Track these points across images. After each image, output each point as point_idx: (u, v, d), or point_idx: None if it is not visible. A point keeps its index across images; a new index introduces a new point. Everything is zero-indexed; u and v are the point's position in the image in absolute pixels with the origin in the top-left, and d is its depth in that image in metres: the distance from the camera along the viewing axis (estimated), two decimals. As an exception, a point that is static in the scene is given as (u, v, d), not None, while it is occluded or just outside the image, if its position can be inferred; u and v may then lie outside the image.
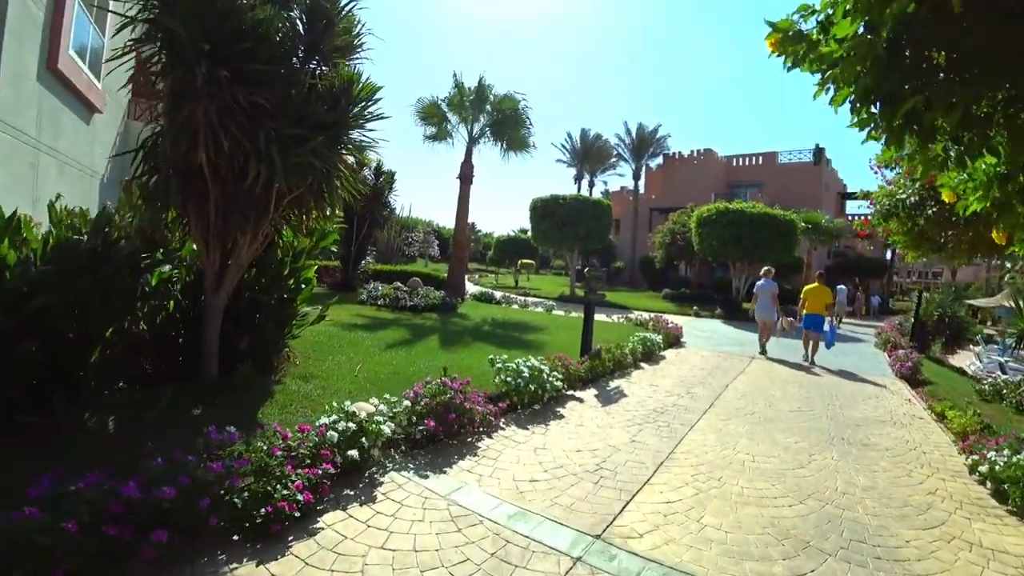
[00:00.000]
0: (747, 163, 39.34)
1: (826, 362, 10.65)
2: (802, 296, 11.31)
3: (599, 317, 15.74)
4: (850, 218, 40.36)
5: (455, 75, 16.55)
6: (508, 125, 16.76)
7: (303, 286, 6.06)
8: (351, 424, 3.78)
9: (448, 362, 7.44)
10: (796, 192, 33.55)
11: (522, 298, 20.58)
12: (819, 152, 36.82)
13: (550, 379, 5.96)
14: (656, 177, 41.92)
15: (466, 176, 17.12)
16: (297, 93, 4.76)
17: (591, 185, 50.32)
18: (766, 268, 11.95)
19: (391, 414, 4.20)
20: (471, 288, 21.06)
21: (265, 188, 4.60)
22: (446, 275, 18.17)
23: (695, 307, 19.65)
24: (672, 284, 28.50)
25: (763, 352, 11.23)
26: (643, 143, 41.05)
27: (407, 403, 4.49)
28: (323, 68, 5.17)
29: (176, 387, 4.66)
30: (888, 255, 44.43)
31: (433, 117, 17.05)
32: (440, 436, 4.48)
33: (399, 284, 14.45)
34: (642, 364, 9.15)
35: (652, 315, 14.25)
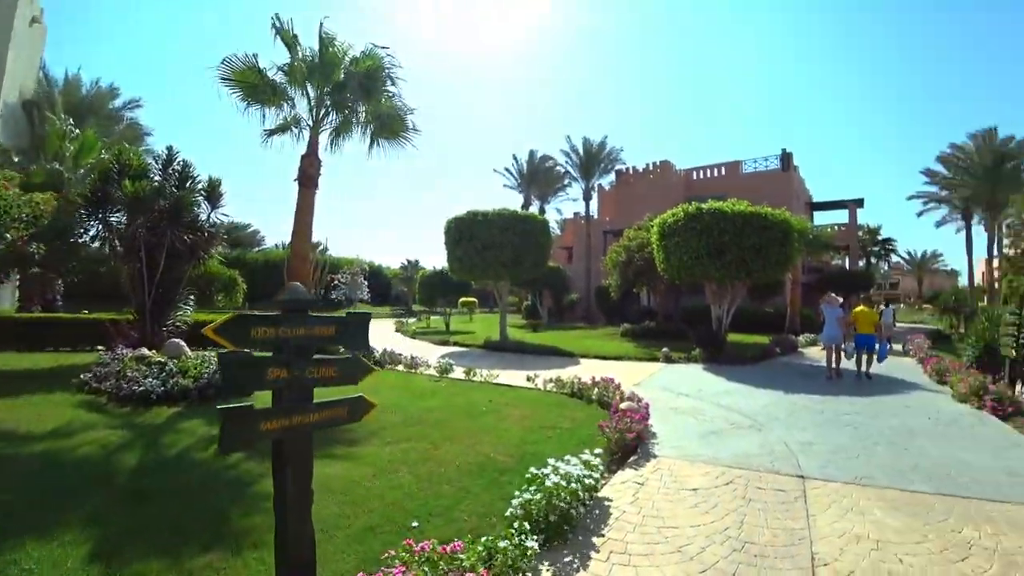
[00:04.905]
0: (709, 175, 34.93)
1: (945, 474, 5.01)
2: (851, 318, 11.54)
3: (511, 378, 9.78)
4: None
5: (275, 22, 10.73)
6: (364, 94, 11.06)
7: None
8: None
9: None
10: (765, 202, 28.77)
11: (435, 349, 14.72)
12: (786, 157, 32.81)
13: None
14: (609, 197, 37.19)
15: (308, 177, 11.25)
16: None
17: (542, 212, 45.54)
18: (833, 295, 12.39)
19: None
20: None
21: None
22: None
23: (665, 348, 13.99)
24: (632, 316, 22.97)
25: (831, 376, 11.02)
26: (591, 159, 36.13)
27: None
28: None
29: None
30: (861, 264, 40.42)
31: (253, 89, 11.17)
32: None
33: (144, 351, 8.37)
34: None
35: (598, 377, 8.47)
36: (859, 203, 35.62)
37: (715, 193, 33.26)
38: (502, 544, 3.05)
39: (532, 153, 43.48)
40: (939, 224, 42.42)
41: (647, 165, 35.34)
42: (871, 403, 8.54)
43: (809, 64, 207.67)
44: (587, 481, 4.05)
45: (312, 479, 2.69)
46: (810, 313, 22.13)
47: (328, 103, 11.46)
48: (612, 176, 36.91)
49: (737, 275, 13.84)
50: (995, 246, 37.46)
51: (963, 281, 44.45)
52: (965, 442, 6.32)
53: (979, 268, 41.44)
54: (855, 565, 3.48)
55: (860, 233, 41.61)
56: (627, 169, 36.20)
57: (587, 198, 36.40)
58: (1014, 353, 8.75)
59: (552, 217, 53.57)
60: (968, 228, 39.72)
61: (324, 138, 12.20)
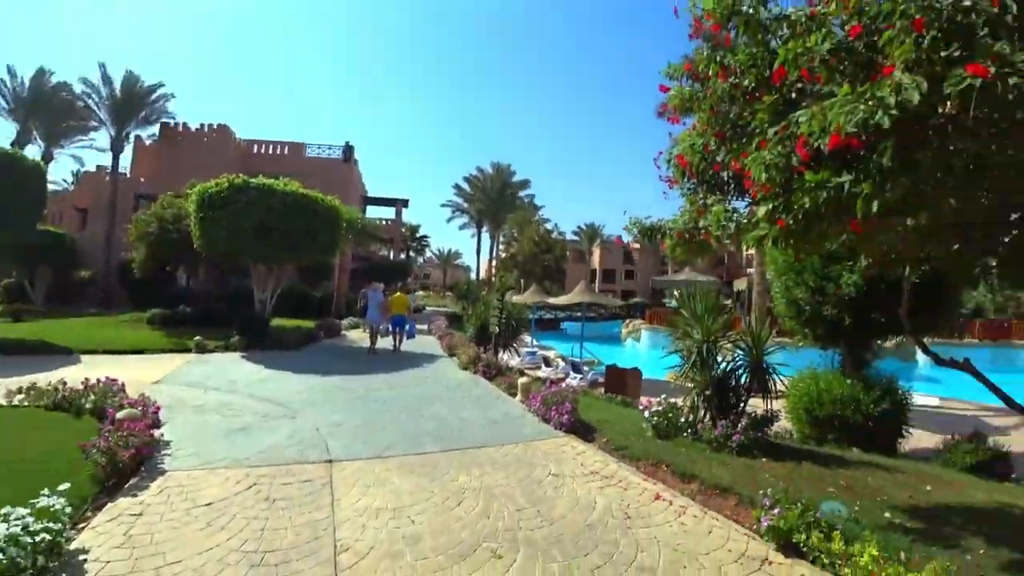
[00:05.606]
0: (271, 151, 33.21)
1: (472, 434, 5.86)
2: (389, 302, 13.16)
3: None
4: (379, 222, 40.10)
5: None
6: None
7: None
8: None
9: None
10: (324, 189, 29.30)
11: None
12: (349, 150, 34.39)
13: None
14: (150, 153, 30.74)
15: None
16: None
17: (49, 158, 33.27)
18: (377, 283, 14.27)
19: None
20: None
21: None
22: None
23: (198, 337, 12.18)
24: (168, 301, 19.19)
25: (370, 353, 12.32)
26: (132, 101, 28.15)
27: None
28: None
29: None
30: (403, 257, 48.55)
31: None
32: None
33: None
34: None
35: (103, 378, 6.57)
36: (405, 203, 40.81)
37: (276, 171, 31.99)
38: None
39: (42, 71, 31.11)
40: (461, 228, 56.08)
41: (202, 125, 31.05)
42: (399, 377, 9.57)
43: (373, 74, 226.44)
44: (34, 541, 2.84)
45: None
46: (354, 297, 23.68)
47: None
48: (156, 129, 30.72)
49: (284, 256, 13.43)
50: (495, 250, 52.49)
51: (474, 275, 57.67)
52: (465, 402, 7.70)
53: (484, 265, 55.18)
54: (375, 539, 3.55)
55: (403, 229, 47.68)
56: (176, 124, 30.84)
57: (118, 149, 28.48)
58: (498, 329, 11.34)
59: (68, 167, 40.63)
60: (479, 235, 53.15)
61: None
